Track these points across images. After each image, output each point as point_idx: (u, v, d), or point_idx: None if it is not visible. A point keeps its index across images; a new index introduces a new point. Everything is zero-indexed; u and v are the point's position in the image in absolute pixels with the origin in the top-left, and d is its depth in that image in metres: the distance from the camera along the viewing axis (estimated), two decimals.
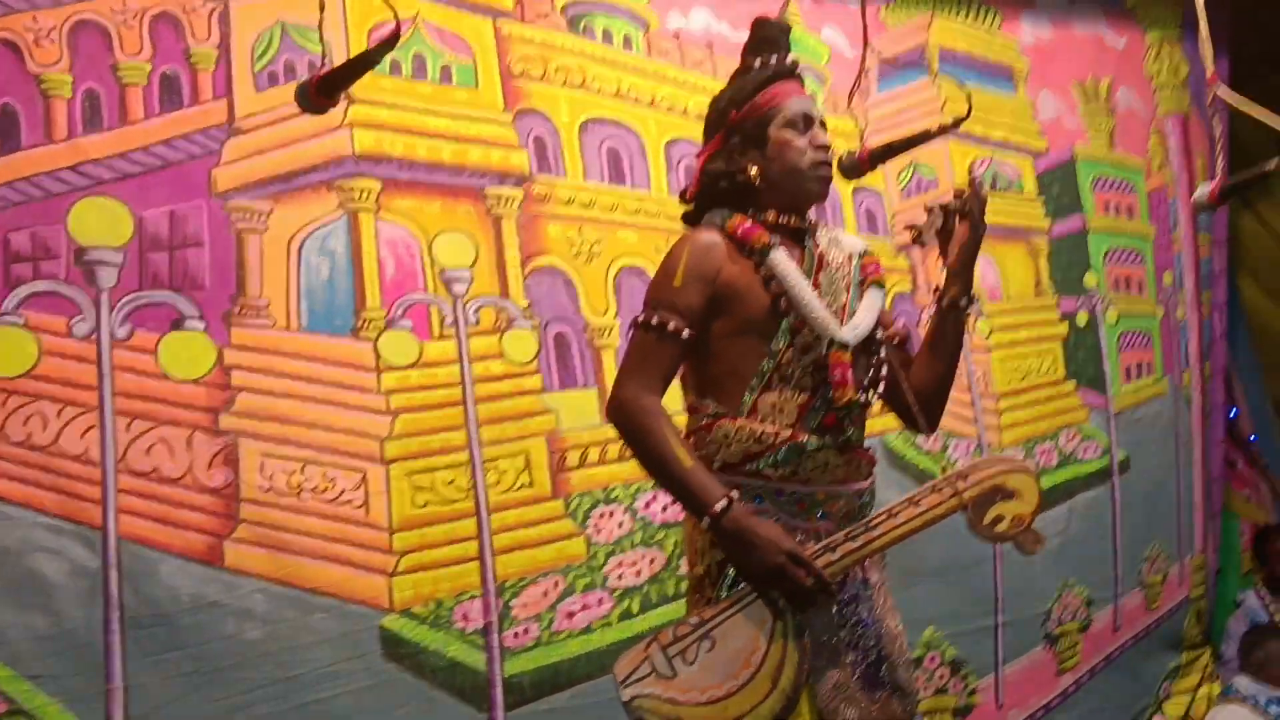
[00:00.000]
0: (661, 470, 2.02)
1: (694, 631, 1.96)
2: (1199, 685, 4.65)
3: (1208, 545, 4.85)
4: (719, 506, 1.94)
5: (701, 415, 2.12)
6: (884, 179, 3.94)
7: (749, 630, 1.95)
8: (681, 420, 2.16)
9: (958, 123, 2.38)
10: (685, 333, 2.06)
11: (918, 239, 2.17)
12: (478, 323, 3.14)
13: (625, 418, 2.05)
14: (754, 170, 2.15)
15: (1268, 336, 5.25)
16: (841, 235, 2.31)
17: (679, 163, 3.57)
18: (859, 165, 2.31)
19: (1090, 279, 4.49)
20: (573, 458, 3.19)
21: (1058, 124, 4.50)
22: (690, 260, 2.09)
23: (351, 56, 2.13)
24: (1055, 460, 4.27)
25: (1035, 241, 4.30)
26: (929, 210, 2.18)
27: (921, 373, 2.25)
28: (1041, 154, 4.44)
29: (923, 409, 2.23)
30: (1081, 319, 4.44)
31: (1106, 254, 4.58)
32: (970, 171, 2.20)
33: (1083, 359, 4.41)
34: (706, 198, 2.22)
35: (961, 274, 2.17)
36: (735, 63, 2.27)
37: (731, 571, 2.01)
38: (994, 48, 4.38)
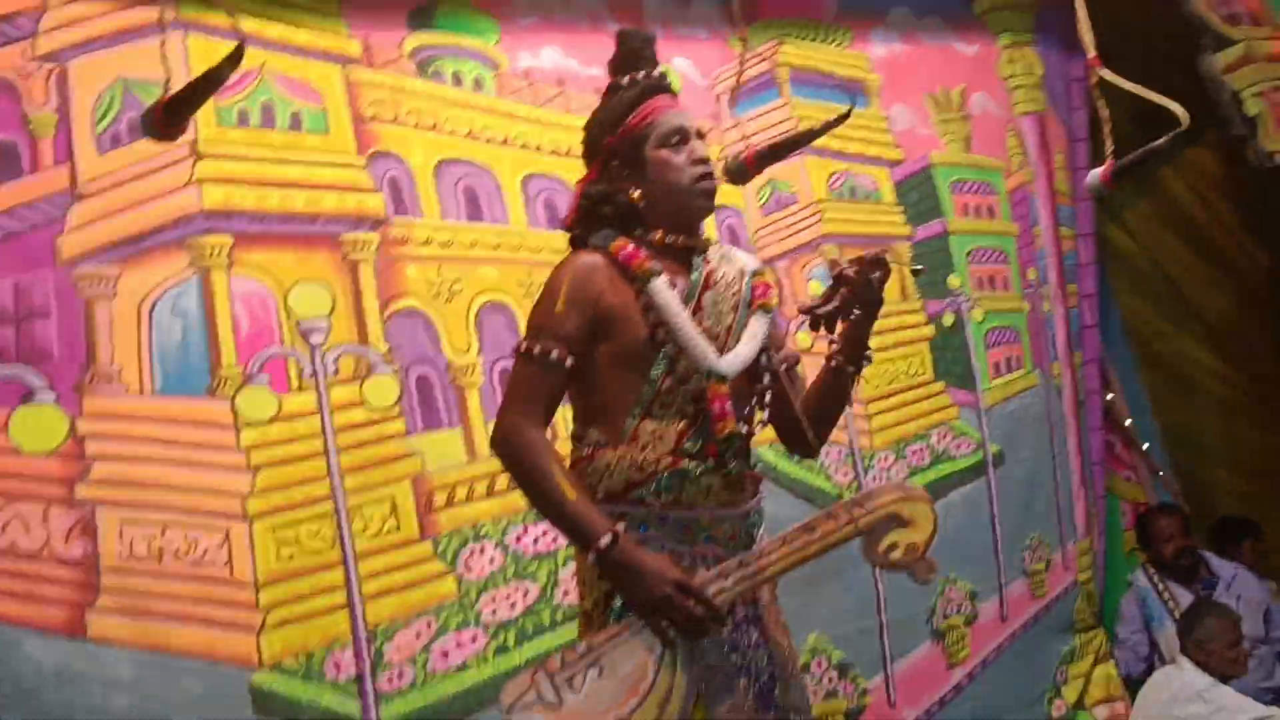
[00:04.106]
0: (545, 504, 2.01)
1: (582, 659, 1.94)
2: (1092, 667, 4.72)
3: (1092, 529, 4.94)
4: (604, 541, 1.94)
5: (584, 444, 2.11)
6: (743, 196, 4.00)
7: (638, 657, 1.93)
8: (567, 447, 2.17)
9: (841, 119, 2.36)
10: (567, 361, 2.05)
11: (815, 320, 2.11)
12: (337, 372, 3.15)
13: (509, 450, 2.04)
14: (636, 193, 2.13)
15: (1143, 338, 5.43)
16: (734, 252, 2.29)
17: (537, 196, 3.61)
18: (745, 169, 2.29)
19: (954, 280, 4.59)
20: (440, 498, 3.23)
21: (912, 134, 4.59)
22: (571, 286, 2.08)
23: (196, 76, 2.03)
24: (928, 459, 4.38)
25: (898, 248, 4.36)
26: (830, 287, 2.12)
27: (807, 411, 2.25)
28: (897, 164, 4.53)
29: (801, 438, 2.26)
30: (948, 319, 4.54)
31: (969, 254, 4.68)
32: (863, 258, 2.14)
33: (950, 359, 4.51)
34: (590, 221, 2.20)
35: (852, 342, 2.18)
36: (588, 98, 2.21)
37: (619, 602, 2.00)
38: (844, 65, 4.47)
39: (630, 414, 2.07)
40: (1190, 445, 5.44)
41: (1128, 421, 5.30)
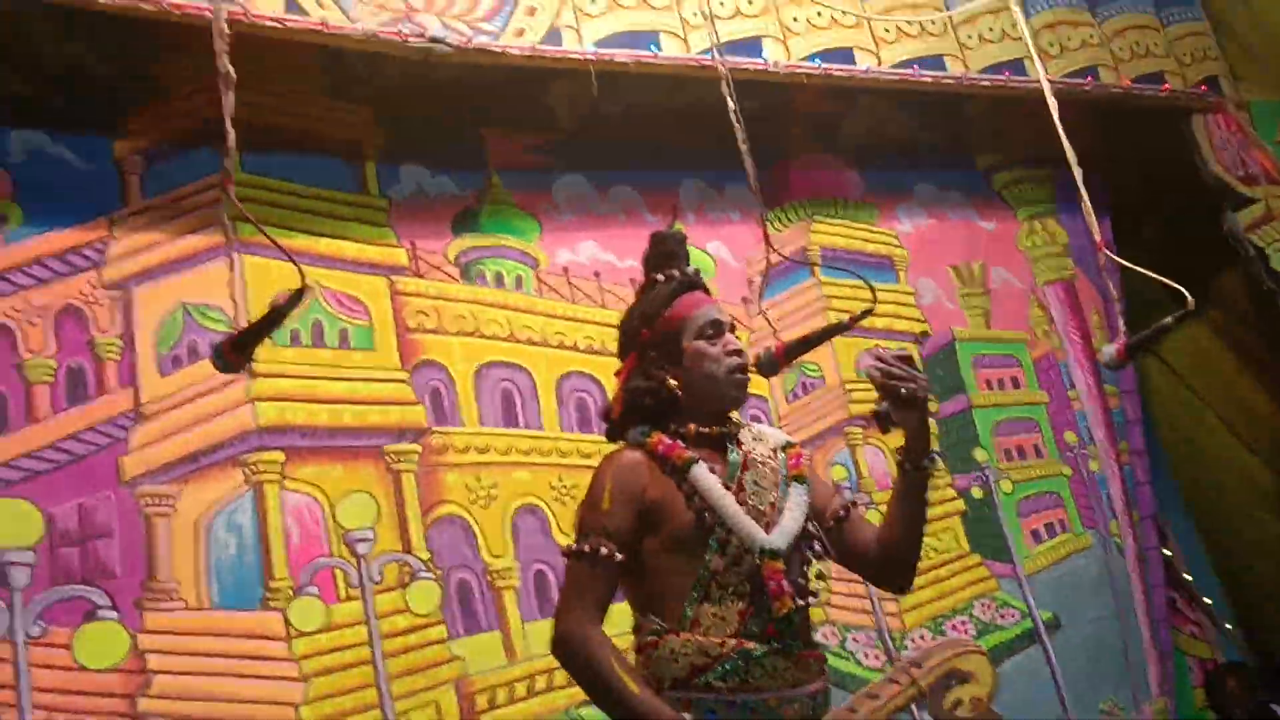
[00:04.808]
0: (609, 701, 1.99)
1: None
2: None
3: (1165, 688, 4.85)
4: None
5: (646, 633, 2.10)
6: (768, 385, 4.13)
7: None
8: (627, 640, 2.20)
9: (866, 313, 2.42)
10: (617, 556, 2.06)
11: (883, 420, 2.14)
12: (381, 579, 3.30)
13: (569, 651, 2.03)
14: (673, 383, 2.18)
15: (1188, 468, 5.45)
16: (764, 430, 2.31)
17: (570, 397, 3.78)
18: (774, 362, 2.36)
19: (980, 454, 4.66)
20: (482, 700, 3.32)
21: (938, 308, 4.73)
22: (615, 483, 2.11)
23: (262, 314, 2.05)
24: (973, 631, 4.37)
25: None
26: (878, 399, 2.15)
27: (887, 533, 2.24)
28: (926, 337, 4.67)
29: (891, 570, 2.28)
30: (977, 493, 4.59)
31: (994, 427, 4.76)
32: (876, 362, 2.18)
33: (983, 531, 4.54)
34: (629, 414, 2.24)
35: (912, 438, 2.15)
36: (623, 290, 2.25)
37: None
38: (873, 241, 4.65)
39: (688, 599, 2.07)
40: (1249, 587, 5.36)
41: (1188, 577, 5.28)
